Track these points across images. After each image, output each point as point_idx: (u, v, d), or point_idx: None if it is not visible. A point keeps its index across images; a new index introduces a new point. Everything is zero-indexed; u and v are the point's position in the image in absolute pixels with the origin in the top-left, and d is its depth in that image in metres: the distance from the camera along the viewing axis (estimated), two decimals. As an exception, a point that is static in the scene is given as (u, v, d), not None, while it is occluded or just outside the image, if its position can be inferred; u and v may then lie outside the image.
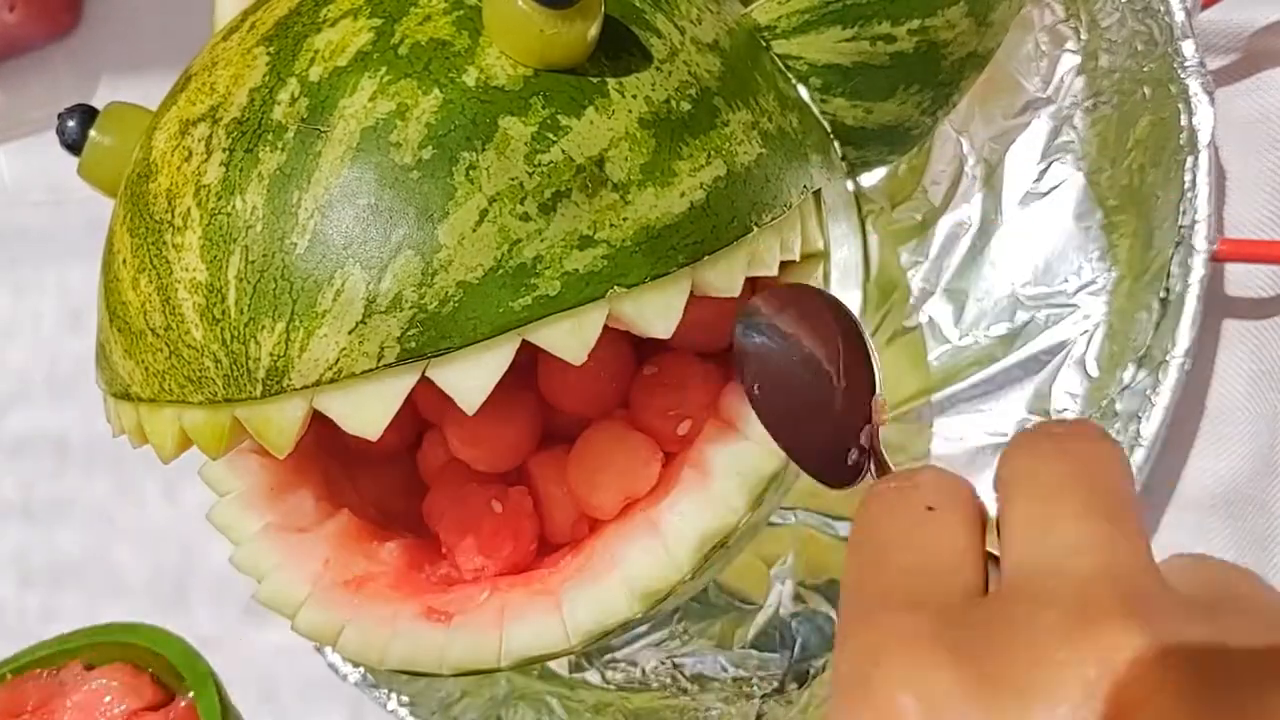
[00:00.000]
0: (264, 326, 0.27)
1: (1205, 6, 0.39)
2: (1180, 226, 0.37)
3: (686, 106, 0.29)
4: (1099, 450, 0.21)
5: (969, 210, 0.43)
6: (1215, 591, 0.19)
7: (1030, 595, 0.19)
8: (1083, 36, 0.41)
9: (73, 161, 0.33)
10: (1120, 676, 0.17)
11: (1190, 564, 0.20)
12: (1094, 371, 0.40)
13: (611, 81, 0.28)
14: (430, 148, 0.27)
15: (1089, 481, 0.20)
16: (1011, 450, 0.22)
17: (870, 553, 0.21)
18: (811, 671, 0.43)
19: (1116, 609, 0.17)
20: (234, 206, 0.27)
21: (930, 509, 0.21)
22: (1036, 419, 0.41)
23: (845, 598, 0.21)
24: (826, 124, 0.35)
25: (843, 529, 0.43)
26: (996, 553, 0.22)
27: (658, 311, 0.28)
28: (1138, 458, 0.37)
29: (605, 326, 0.28)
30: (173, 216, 0.28)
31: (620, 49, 0.29)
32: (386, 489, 0.40)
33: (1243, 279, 0.39)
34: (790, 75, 0.34)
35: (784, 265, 0.31)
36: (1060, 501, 0.20)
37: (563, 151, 0.27)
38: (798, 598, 0.44)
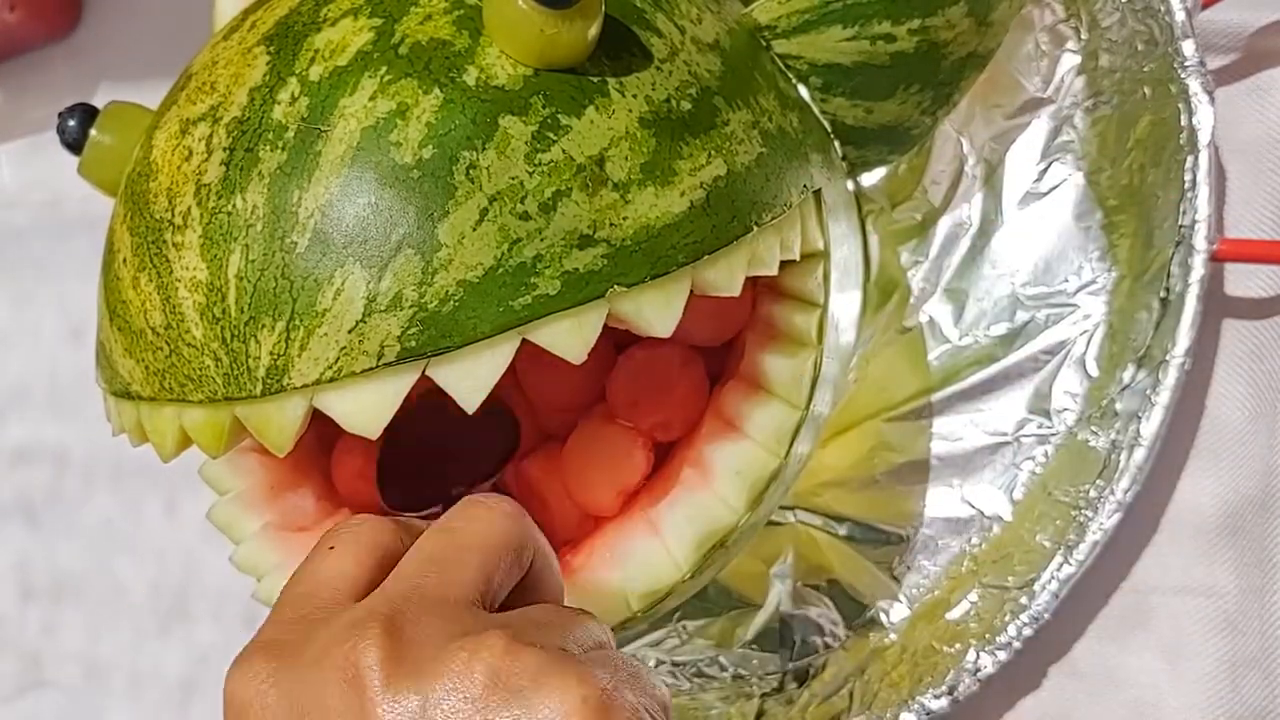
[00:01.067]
0: (264, 325, 0.27)
1: (1205, 6, 0.39)
2: (1180, 226, 0.37)
3: (687, 106, 0.29)
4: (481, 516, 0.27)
5: (969, 210, 0.43)
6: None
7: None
8: (1083, 36, 0.41)
9: (73, 161, 0.33)
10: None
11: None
12: (1094, 371, 0.40)
13: (612, 81, 0.28)
14: (430, 147, 0.27)
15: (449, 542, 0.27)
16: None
17: (288, 582, 0.28)
18: (811, 671, 0.43)
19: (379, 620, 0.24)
20: (234, 205, 0.27)
21: (331, 548, 0.27)
22: (1037, 419, 0.41)
23: (289, 588, 0.27)
24: (827, 124, 0.35)
25: (843, 529, 0.43)
26: None
27: (657, 311, 0.28)
28: (1138, 457, 0.37)
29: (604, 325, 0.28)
30: (173, 215, 0.28)
31: (621, 48, 0.29)
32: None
33: (1243, 279, 0.39)
34: (790, 75, 0.34)
35: (784, 265, 0.31)
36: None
37: (563, 151, 0.27)
38: (797, 597, 0.44)
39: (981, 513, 0.41)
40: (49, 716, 0.59)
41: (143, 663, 0.58)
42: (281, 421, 0.27)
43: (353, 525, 0.28)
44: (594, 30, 0.27)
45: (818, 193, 0.33)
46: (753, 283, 0.34)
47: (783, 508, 0.44)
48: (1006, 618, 0.38)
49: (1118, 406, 0.39)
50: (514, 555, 0.27)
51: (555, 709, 0.22)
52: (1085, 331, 0.41)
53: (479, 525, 0.27)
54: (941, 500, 0.42)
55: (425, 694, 0.22)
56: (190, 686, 0.56)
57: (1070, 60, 0.42)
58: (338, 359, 0.26)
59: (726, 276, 0.29)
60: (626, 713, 0.22)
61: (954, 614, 0.40)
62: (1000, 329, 0.42)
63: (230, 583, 0.36)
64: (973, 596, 0.40)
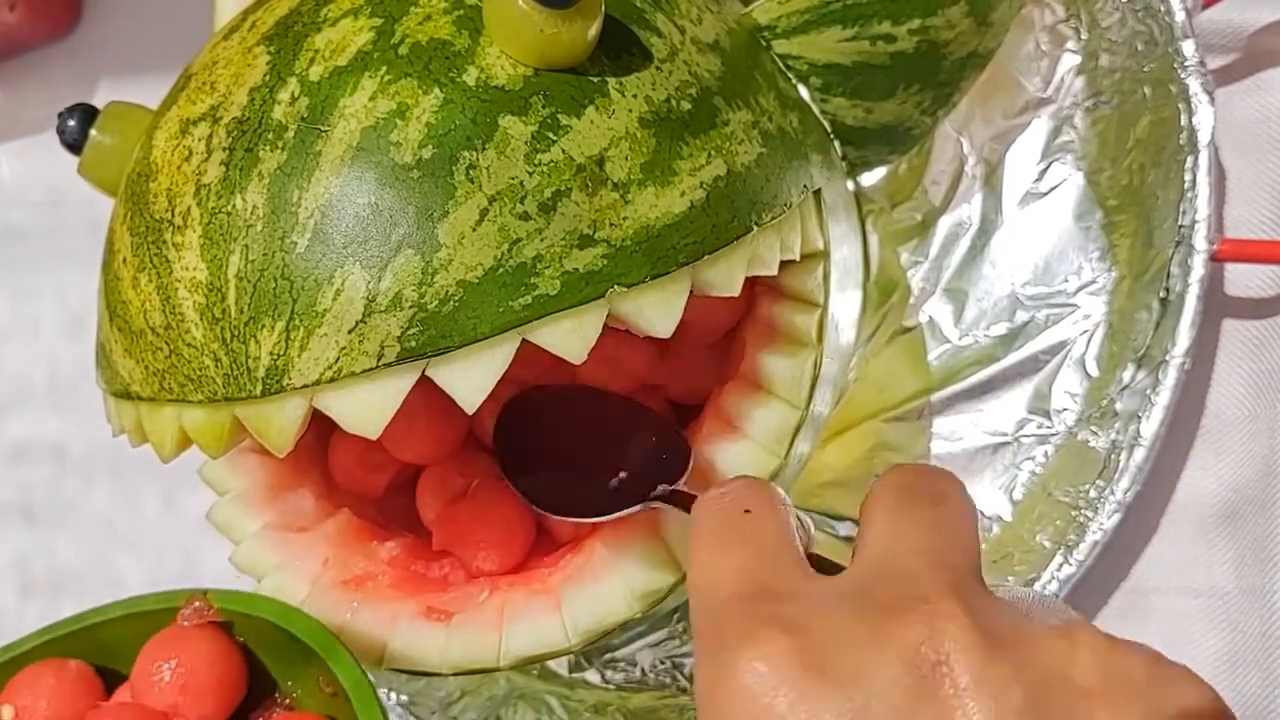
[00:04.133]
0: (264, 325, 0.27)
1: (1205, 6, 0.39)
2: (1180, 226, 0.37)
3: (687, 106, 0.29)
4: (948, 488, 0.25)
5: (969, 210, 0.43)
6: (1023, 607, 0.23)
7: (881, 574, 0.23)
8: (1083, 36, 0.41)
9: (73, 161, 0.33)
10: (939, 636, 0.20)
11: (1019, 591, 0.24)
12: (1094, 371, 0.40)
13: (612, 81, 0.28)
14: (430, 147, 0.27)
15: (934, 508, 0.24)
16: (880, 480, 0.26)
17: (706, 554, 0.24)
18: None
19: (945, 590, 0.21)
20: (234, 206, 0.27)
21: (747, 511, 0.25)
22: (1037, 419, 0.41)
23: (692, 597, 0.24)
24: (827, 124, 0.35)
25: (843, 529, 0.43)
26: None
27: (657, 311, 0.28)
28: (1138, 457, 0.37)
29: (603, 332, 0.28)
30: (173, 215, 0.28)
31: (621, 48, 0.29)
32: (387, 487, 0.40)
33: (1243, 279, 0.39)
34: (790, 75, 0.34)
35: (784, 265, 0.31)
36: (911, 518, 0.24)
37: (563, 151, 0.27)
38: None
39: (982, 513, 0.41)
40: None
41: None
42: (281, 422, 0.27)
43: (739, 486, 0.26)
44: (594, 30, 0.27)
45: (818, 193, 0.33)
46: (752, 283, 0.34)
47: (783, 508, 0.44)
48: (1006, 618, 0.38)
49: (1118, 406, 0.39)
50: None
51: (1187, 706, 0.20)
52: (1085, 331, 0.41)
53: (956, 490, 0.25)
54: (941, 500, 0.42)
55: (1025, 685, 0.20)
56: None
57: (1070, 60, 0.42)
58: (338, 359, 0.26)
59: (726, 276, 0.29)
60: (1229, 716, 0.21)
61: (954, 614, 0.40)
62: (1000, 329, 0.42)
63: (229, 577, 0.36)
64: (973, 596, 0.40)
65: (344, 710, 0.30)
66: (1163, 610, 0.39)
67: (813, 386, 0.33)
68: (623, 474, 0.33)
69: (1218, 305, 0.39)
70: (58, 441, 0.60)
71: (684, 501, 0.30)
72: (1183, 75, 0.37)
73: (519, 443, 0.36)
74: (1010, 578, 0.39)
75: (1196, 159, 0.37)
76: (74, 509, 0.59)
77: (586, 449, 0.35)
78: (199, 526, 0.37)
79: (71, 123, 0.33)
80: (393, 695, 0.46)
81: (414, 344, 0.26)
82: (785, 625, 0.21)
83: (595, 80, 0.28)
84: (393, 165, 0.27)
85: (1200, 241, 0.37)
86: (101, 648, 0.34)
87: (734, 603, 0.22)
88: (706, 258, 0.28)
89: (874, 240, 0.44)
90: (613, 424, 0.35)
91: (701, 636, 0.23)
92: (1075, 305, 0.41)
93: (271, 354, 0.27)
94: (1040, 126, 0.42)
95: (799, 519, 0.26)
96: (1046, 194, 0.42)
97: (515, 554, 0.35)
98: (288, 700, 0.33)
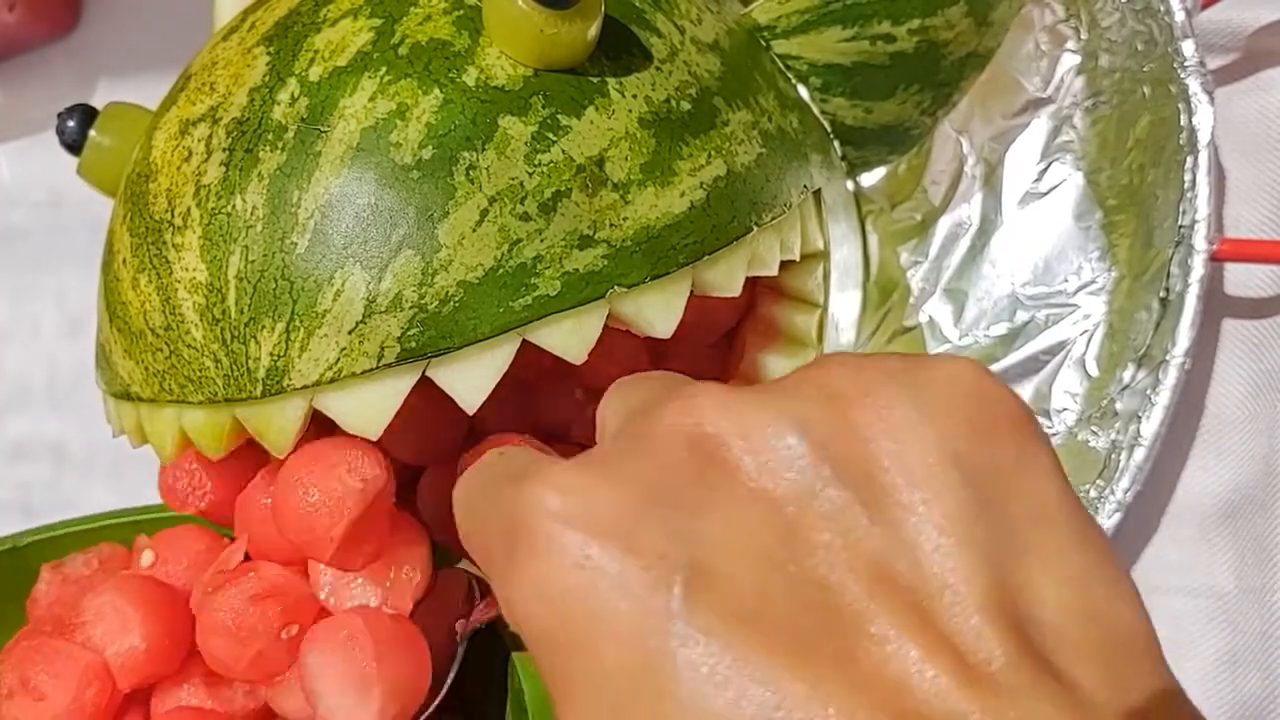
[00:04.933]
0: (264, 326, 0.27)
1: (1205, 6, 0.39)
2: (1180, 226, 0.37)
3: (686, 106, 0.29)
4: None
5: (969, 210, 0.43)
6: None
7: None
8: (1083, 36, 0.41)
9: (72, 161, 0.33)
10: (698, 411, 0.19)
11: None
12: (1094, 371, 0.40)
13: (612, 81, 0.28)
14: (430, 147, 0.27)
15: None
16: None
17: (470, 524, 0.21)
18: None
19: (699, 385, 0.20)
20: (234, 206, 0.27)
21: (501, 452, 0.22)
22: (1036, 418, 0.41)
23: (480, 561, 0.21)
24: (826, 124, 0.35)
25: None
26: None
27: (658, 311, 0.28)
28: (1138, 457, 0.37)
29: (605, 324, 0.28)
30: (173, 216, 0.28)
31: (620, 49, 0.29)
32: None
33: (1242, 279, 0.39)
34: (790, 75, 0.34)
35: (784, 265, 0.31)
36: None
37: (563, 151, 0.27)
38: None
39: (981, 513, 0.41)
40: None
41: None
42: (282, 423, 0.27)
43: (508, 451, 0.23)
44: (594, 30, 0.27)
45: (817, 193, 0.33)
46: (753, 283, 0.34)
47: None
48: (1007, 618, 0.38)
49: (1118, 406, 0.39)
50: None
51: (948, 369, 0.19)
52: (1085, 331, 0.41)
53: None
54: (941, 500, 0.42)
55: (789, 414, 0.18)
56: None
57: (1070, 60, 0.42)
58: (338, 360, 0.26)
59: (727, 277, 0.29)
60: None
61: (954, 614, 0.40)
62: (1000, 329, 0.42)
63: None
64: (973, 596, 0.40)
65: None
66: (1163, 610, 0.39)
67: (813, 387, 0.33)
68: None
69: (1218, 305, 0.39)
70: (57, 441, 0.60)
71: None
72: (1182, 75, 0.37)
73: None
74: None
75: (1196, 159, 0.37)
76: (73, 508, 0.59)
77: None
78: (198, 526, 0.37)
79: (71, 123, 0.33)
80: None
81: (414, 344, 0.26)
82: (553, 478, 0.19)
83: (595, 81, 0.28)
84: (393, 166, 0.27)
85: (1200, 241, 0.37)
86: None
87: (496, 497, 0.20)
88: (707, 258, 0.28)
89: (874, 240, 0.44)
90: None
91: (489, 564, 0.20)
92: (1075, 305, 0.41)
93: (272, 355, 0.27)
94: (1040, 126, 0.42)
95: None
96: (1046, 194, 0.42)
97: None
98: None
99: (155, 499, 0.58)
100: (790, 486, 0.18)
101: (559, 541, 0.18)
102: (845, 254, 0.36)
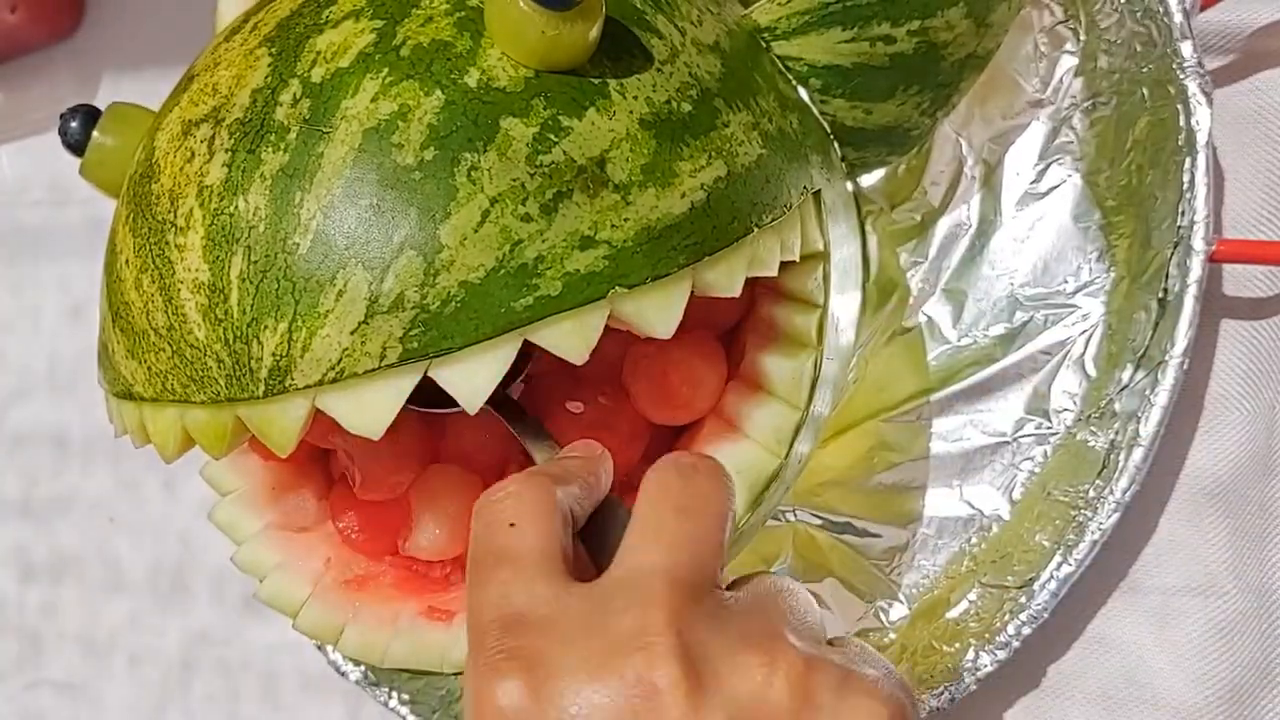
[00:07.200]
0: (266, 326, 0.27)
1: (1204, 7, 0.39)
2: (1178, 227, 0.37)
3: (687, 107, 0.29)
4: (709, 490, 0.27)
5: (968, 211, 0.43)
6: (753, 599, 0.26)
7: (624, 588, 0.25)
8: (1081, 38, 0.41)
9: (74, 162, 0.33)
10: (653, 669, 0.23)
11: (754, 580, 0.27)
12: (1092, 371, 0.40)
13: (613, 83, 0.28)
14: (432, 148, 0.27)
15: (688, 521, 0.26)
16: (652, 471, 0.27)
17: (471, 575, 0.26)
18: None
19: (665, 622, 0.23)
20: (236, 207, 0.27)
21: (512, 525, 0.26)
22: (1035, 419, 0.41)
23: (467, 613, 0.26)
24: (826, 125, 0.35)
25: (842, 529, 0.43)
26: None
27: (658, 312, 0.28)
28: (1136, 458, 0.37)
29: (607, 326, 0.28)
30: (175, 217, 0.28)
31: (621, 50, 0.29)
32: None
33: (1240, 279, 0.39)
34: (790, 76, 0.34)
35: (784, 266, 0.32)
36: (665, 527, 0.26)
37: (564, 152, 0.27)
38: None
39: (981, 512, 0.41)
40: (49, 696, 0.60)
41: (142, 642, 0.58)
42: (284, 422, 0.27)
43: (511, 492, 0.27)
44: (595, 32, 0.27)
45: (817, 194, 0.33)
46: (753, 283, 0.34)
47: (782, 508, 0.44)
48: (1006, 617, 0.38)
49: (1116, 407, 0.39)
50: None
51: (869, 707, 0.23)
52: (1084, 332, 0.41)
53: (710, 486, 0.27)
54: (941, 500, 0.42)
55: (732, 714, 0.23)
56: (190, 665, 0.57)
57: (1069, 61, 0.42)
58: (340, 360, 0.26)
59: (727, 277, 0.29)
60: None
61: (954, 613, 0.40)
62: (999, 329, 0.42)
63: (228, 562, 0.36)
64: (972, 596, 0.40)
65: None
66: (1162, 610, 0.39)
67: (813, 387, 0.33)
68: None
69: (1216, 305, 0.40)
70: (58, 430, 0.61)
71: (512, 410, 0.33)
72: (1181, 76, 0.38)
73: None
74: (1010, 577, 0.39)
75: (1195, 160, 0.37)
76: (74, 496, 0.60)
77: None
78: (198, 510, 0.38)
79: (74, 124, 0.33)
80: (394, 694, 0.46)
81: (416, 345, 0.26)
82: (525, 661, 0.23)
83: (596, 82, 0.28)
84: (394, 167, 0.27)
85: (1198, 242, 0.37)
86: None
87: (491, 630, 0.24)
88: (707, 259, 0.29)
89: (873, 241, 0.44)
90: None
91: (469, 654, 0.25)
92: (1074, 306, 0.41)
93: (274, 355, 0.27)
94: (1039, 128, 0.42)
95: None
96: (1045, 195, 0.42)
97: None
98: None
99: (154, 487, 0.59)
100: None
101: None
102: (845, 255, 0.36)
